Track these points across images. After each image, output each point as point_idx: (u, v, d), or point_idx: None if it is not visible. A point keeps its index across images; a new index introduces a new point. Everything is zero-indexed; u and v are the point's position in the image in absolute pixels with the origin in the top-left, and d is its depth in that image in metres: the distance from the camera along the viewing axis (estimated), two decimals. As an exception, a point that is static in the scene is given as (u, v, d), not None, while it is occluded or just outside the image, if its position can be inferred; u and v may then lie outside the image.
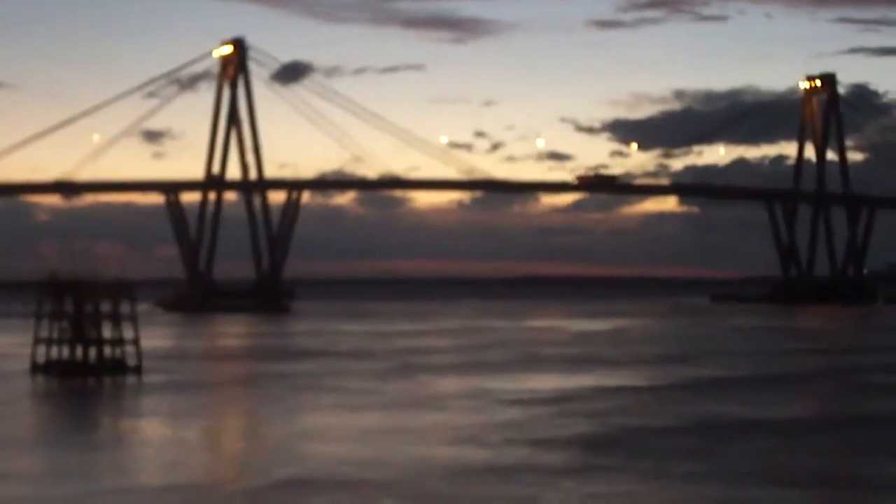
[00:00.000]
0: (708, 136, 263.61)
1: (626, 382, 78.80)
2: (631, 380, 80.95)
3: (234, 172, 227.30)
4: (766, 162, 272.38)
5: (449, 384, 76.71)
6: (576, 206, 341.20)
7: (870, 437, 54.12)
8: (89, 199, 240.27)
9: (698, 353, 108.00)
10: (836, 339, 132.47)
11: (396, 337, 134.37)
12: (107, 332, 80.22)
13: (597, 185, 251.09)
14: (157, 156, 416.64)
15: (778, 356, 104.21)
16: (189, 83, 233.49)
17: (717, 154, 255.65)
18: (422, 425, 55.85)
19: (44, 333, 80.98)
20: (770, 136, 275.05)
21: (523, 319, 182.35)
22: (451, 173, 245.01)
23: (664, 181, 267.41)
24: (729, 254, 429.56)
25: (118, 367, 78.90)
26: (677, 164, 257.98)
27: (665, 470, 43.13)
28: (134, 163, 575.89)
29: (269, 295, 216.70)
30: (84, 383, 76.51)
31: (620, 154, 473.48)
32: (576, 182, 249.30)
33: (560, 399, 67.22)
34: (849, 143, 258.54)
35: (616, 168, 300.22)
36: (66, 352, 79.71)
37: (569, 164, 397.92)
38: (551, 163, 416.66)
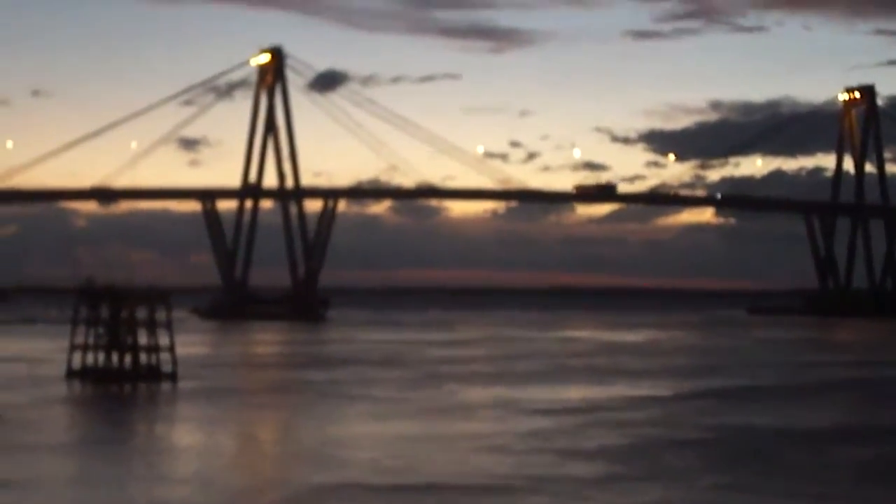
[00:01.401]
0: (745, 147, 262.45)
1: (653, 393, 79.05)
2: (659, 390, 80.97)
3: (270, 180, 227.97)
4: (804, 174, 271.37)
5: (477, 393, 77.00)
6: (612, 216, 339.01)
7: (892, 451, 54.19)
8: (126, 205, 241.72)
9: (729, 364, 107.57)
10: (872, 352, 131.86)
11: (428, 346, 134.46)
12: (142, 339, 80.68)
13: (595, 195, 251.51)
14: (194, 163, 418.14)
15: (812, 367, 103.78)
16: (226, 91, 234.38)
17: (755, 166, 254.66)
18: (450, 434, 56.18)
19: (80, 339, 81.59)
20: (808, 148, 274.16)
21: (554, 330, 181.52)
22: (486, 183, 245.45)
23: (701, 192, 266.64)
24: (766, 266, 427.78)
25: (153, 374, 79.52)
26: (714, 175, 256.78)
27: (691, 481, 43.42)
28: (171, 170, 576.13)
29: (304, 303, 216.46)
30: (119, 389, 77.17)
31: (657, 165, 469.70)
32: (573, 192, 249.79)
33: (587, 409, 67.33)
34: (888, 155, 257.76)
35: (653, 179, 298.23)
36: (101, 358, 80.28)
37: (605, 175, 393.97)
38: (587, 173, 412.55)
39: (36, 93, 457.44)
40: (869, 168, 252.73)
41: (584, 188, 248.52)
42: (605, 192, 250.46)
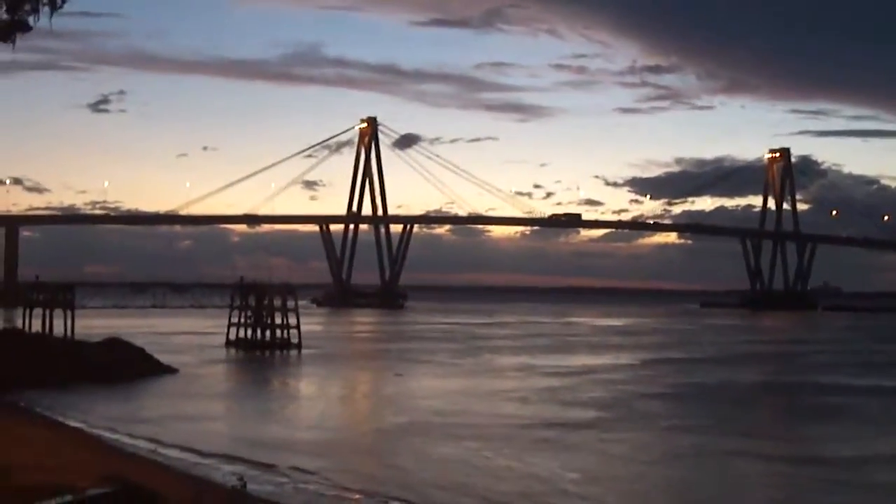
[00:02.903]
0: (699, 190, 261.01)
1: (630, 361, 78.44)
2: (634, 359, 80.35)
3: (366, 210, 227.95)
4: (740, 209, 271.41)
5: (506, 361, 76.41)
6: (605, 237, 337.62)
7: (799, 400, 54.14)
8: (267, 227, 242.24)
9: (685, 341, 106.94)
10: (785, 334, 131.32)
11: (473, 328, 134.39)
12: (277, 320, 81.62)
13: (563, 222, 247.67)
14: (313, 198, 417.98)
15: (743, 344, 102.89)
16: (336, 148, 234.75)
17: (706, 203, 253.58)
18: (487, 389, 56.01)
19: (235, 320, 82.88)
20: (742, 192, 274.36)
21: (563, 317, 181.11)
22: (516, 213, 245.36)
23: (667, 221, 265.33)
24: (713, 273, 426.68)
25: (285, 344, 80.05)
26: (677, 209, 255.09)
27: (654, 423, 43.55)
28: (298, 203, 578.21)
29: (389, 296, 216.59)
30: (261, 355, 77.76)
31: (637, 202, 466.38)
32: (547, 218, 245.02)
33: (583, 372, 67.09)
34: (799, 197, 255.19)
35: (634, 212, 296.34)
36: (249, 333, 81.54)
37: (600, 208, 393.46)
38: (588, 207, 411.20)
39: (205, 147, 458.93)
40: (785, 206, 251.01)
41: (557, 216, 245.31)
42: (572, 220, 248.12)
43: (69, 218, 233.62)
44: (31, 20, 16.41)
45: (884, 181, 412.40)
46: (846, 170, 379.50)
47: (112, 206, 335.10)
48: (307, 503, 26.36)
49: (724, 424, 43.39)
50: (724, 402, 52.48)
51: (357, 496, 27.66)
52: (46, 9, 16.70)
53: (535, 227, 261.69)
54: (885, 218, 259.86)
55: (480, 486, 28.94)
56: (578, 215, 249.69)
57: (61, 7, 16.80)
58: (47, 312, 68.80)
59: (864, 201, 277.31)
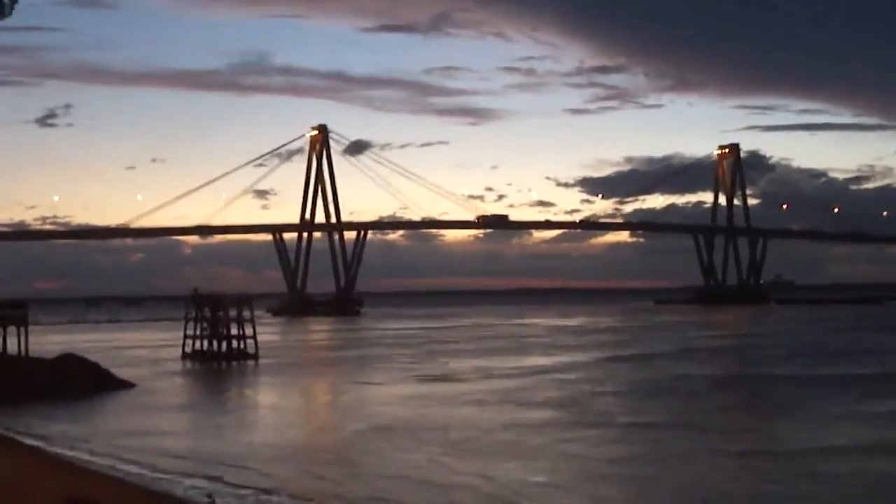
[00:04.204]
0: (649, 188, 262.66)
1: (584, 359, 78.74)
2: (588, 358, 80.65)
3: (319, 217, 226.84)
4: (690, 206, 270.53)
5: (462, 364, 76.41)
6: (557, 238, 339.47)
7: (752, 393, 54.13)
8: (219, 238, 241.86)
9: (638, 338, 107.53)
10: (738, 328, 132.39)
11: (428, 332, 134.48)
12: (233, 330, 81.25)
13: (493, 223, 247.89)
14: (265, 207, 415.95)
15: (697, 339, 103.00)
16: (287, 156, 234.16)
17: (657, 201, 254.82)
18: (444, 393, 56.15)
19: (190, 332, 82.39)
20: (693, 188, 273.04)
21: (516, 318, 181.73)
22: (469, 216, 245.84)
23: (619, 220, 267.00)
24: (666, 270, 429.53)
25: (241, 355, 79.69)
26: (628, 208, 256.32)
27: (611, 421, 43.74)
28: (249, 212, 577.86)
29: (344, 304, 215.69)
30: (218, 366, 77.43)
31: (588, 202, 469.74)
32: (477, 220, 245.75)
33: (538, 373, 67.29)
34: (749, 192, 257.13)
35: (586, 212, 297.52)
36: (205, 344, 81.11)
37: (552, 209, 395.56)
38: (540, 208, 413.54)
39: (154, 160, 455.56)
40: (736, 202, 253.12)
41: (486, 217, 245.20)
42: (500, 221, 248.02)
43: (19, 234, 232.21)
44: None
45: (832, 174, 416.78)
46: (795, 164, 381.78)
47: (62, 220, 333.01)
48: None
49: (679, 419, 43.60)
50: (678, 397, 52.79)
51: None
52: None
53: (488, 230, 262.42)
54: (836, 210, 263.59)
55: (441, 494, 29.05)
56: (505, 216, 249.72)
57: (8, 15, 16.80)
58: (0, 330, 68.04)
59: (813, 194, 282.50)
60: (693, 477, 31.37)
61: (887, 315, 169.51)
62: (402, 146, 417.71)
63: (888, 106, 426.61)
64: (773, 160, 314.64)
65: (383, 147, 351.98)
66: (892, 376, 62.01)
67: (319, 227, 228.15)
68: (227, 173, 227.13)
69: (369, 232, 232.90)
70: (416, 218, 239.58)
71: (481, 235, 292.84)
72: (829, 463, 33.04)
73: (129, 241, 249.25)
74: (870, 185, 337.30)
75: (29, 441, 40.04)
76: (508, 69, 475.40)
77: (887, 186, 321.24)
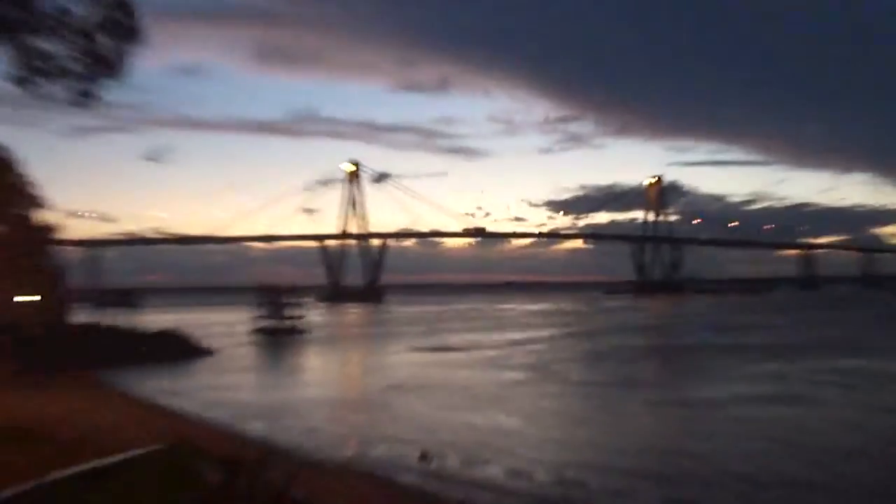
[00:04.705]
0: (598, 208, 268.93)
1: (548, 334, 78.27)
2: (551, 333, 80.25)
3: (352, 229, 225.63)
4: (628, 221, 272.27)
5: (456, 338, 75.99)
6: (531, 245, 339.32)
7: (672, 357, 53.82)
8: (278, 244, 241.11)
9: (589, 318, 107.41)
10: (662, 310, 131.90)
11: (433, 314, 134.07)
12: (290, 312, 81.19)
13: (474, 233, 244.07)
14: (312, 221, 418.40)
15: (632, 318, 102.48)
16: (328, 183, 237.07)
17: (603, 217, 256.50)
18: (443, 359, 55.87)
19: (257, 313, 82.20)
20: (630, 208, 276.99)
21: (498, 305, 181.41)
22: (460, 227, 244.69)
23: (575, 231, 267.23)
24: (611, 269, 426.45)
25: (296, 331, 79.25)
26: (582, 222, 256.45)
27: (567, 379, 43.72)
28: (300, 225, 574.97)
29: (371, 294, 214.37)
30: (278, 339, 76.97)
31: (553, 218, 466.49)
32: (462, 231, 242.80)
33: (513, 344, 66.92)
34: (669, 211, 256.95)
35: (552, 225, 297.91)
36: (268, 323, 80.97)
37: (526, 224, 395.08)
38: (517, 223, 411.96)
39: (231, 186, 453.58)
40: (661, 218, 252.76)
41: (468, 229, 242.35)
42: (478, 232, 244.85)
43: (136, 240, 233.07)
44: (98, 90, 16.56)
45: (729, 198, 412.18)
46: (703, 190, 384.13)
47: (165, 230, 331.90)
48: (315, 450, 26.29)
49: (617, 378, 43.53)
50: (617, 361, 52.64)
51: (351, 442, 27.70)
52: (110, 80, 16.90)
53: (479, 239, 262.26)
54: (731, 224, 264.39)
55: (447, 431, 29.08)
56: (483, 228, 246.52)
57: (121, 81, 16.90)
58: (118, 310, 68.11)
59: (715, 213, 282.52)
60: (629, 419, 31.54)
61: (768, 301, 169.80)
62: (415, 177, 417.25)
63: (768, 147, 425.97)
64: (687, 188, 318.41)
65: (400, 177, 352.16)
66: (770, 346, 62.01)
67: (352, 237, 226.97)
68: (285, 196, 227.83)
69: (389, 240, 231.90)
70: (425, 229, 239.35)
71: (472, 242, 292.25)
72: (725, 409, 33.18)
73: (213, 246, 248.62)
74: (756, 207, 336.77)
75: (138, 393, 40.01)
76: (494, 119, 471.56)
77: (768, 207, 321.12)
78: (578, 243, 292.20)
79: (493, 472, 22.88)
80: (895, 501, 19.52)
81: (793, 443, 26.33)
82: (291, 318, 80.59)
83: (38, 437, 17.05)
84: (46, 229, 56.64)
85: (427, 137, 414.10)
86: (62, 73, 15.79)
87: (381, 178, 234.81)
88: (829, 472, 22.20)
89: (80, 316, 64.96)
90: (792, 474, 22.17)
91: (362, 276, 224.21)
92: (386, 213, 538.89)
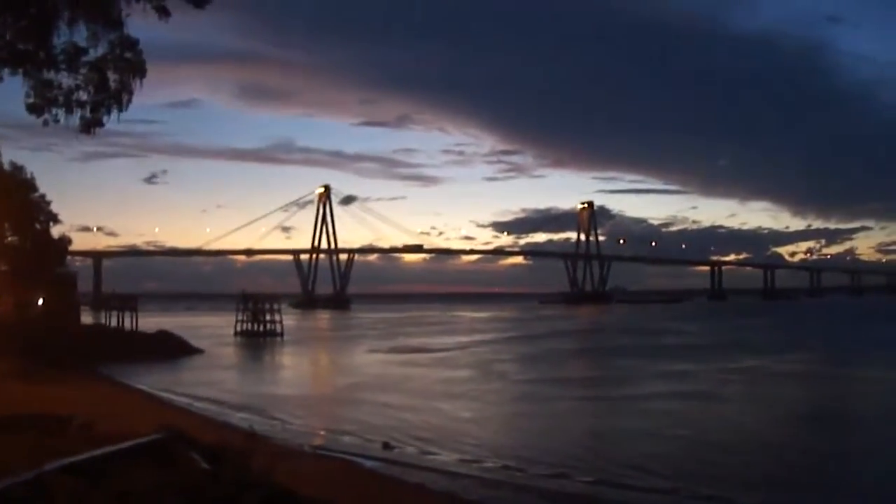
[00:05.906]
0: (536, 229, 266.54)
1: (490, 338, 78.24)
2: (493, 336, 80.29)
3: (323, 245, 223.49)
4: (562, 240, 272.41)
5: (413, 340, 75.69)
6: (479, 260, 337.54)
7: (597, 358, 53.49)
8: (260, 257, 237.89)
9: (526, 324, 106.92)
10: (593, 318, 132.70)
11: (391, 320, 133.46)
12: (268, 317, 80.00)
13: (413, 249, 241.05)
14: (288, 237, 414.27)
15: (564, 325, 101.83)
16: (302, 205, 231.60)
17: (541, 237, 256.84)
18: (403, 359, 55.49)
19: (240, 318, 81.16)
20: (564, 229, 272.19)
21: (449, 312, 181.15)
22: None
23: (517, 249, 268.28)
24: (547, 281, 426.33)
25: (273, 334, 78.27)
26: (523, 241, 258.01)
27: (508, 378, 43.75)
28: (278, 241, 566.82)
29: (339, 302, 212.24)
30: (257, 341, 76.19)
31: (497, 237, 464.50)
32: (402, 247, 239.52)
33: (460, 347, 66.50)
34: (598, 231, 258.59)
35: (496, 243, 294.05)
36: (249, 326, 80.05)
37: (473, 242, 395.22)
38: (466, 241, 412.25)
39: (219, 206, 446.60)
40: (591, 238, 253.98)
41: (408, 246, 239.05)
42: (416, 248, 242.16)
43: (134, 252, 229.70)
44: (104, 119, 16.61)
45: (651, 221, 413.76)
46: (628, 214, 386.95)
47: (160, 244, 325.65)
48: (291, 438, 26.22)
49: (551, 376, 43.56)
50: (551, 362, 52.59)
51: (322, 432, 27.68)
52: (115, 111, 16.89)
53: (433, 255, 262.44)
54: (653, 244, 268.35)
55: (406, 422, 29.13)
56: (421, 245, 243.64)
57: (125, 110, 16.90)
58: (119, 314, 67.05)
59: (638, 234, 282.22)
60: (562, 411, 31.84)
61: (684, 310, 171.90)
62: (378, 199, 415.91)
63: (683, 178, 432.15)
64: (615, 212, 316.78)
65: (365, 200, 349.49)
66: (685, 346, 62.87)
67: (323, 251, 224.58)
68: (265, 216, 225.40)
69: (355, 255, 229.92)
70: (386, 246, 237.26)
71: (427, 258, 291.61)
72: (645, 403, 33.64)
73: (201, 258, 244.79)
74: (673, 229, 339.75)
75: (136, 385, 39.54)
76: (447, 151, 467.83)
77: (684, 229, 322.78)
78: (519, 259, 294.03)
79: (446, 458, 22.99)
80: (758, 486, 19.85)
81: (690, 437, 26.61)
82: (269, 322, 79.54)
83: (49, 421, 16.95)
84: (60, 242, 56.85)
85: (389, 166, 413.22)
86: (73, 104, 15.73)
87: (348, 200, 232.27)
88: (707, 462, 22.23)
89: (88, 318, 63.86)
90: (678, 463, 22.43)
91: (332, 286, 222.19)
92: (352, 231, 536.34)
